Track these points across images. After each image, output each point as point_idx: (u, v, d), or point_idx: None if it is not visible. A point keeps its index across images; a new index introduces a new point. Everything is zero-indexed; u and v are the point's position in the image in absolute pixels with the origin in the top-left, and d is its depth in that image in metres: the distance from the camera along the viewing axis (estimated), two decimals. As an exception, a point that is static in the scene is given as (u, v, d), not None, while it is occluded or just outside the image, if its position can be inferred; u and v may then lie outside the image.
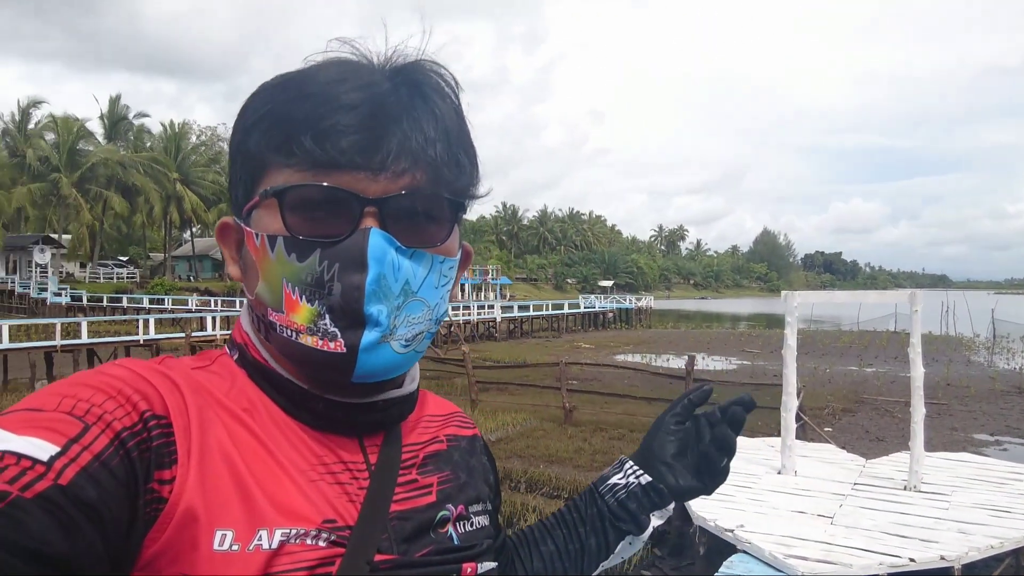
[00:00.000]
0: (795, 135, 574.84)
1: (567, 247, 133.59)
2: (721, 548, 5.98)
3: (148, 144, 58.30)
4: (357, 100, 0.67)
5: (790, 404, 7.51)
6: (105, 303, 39.65)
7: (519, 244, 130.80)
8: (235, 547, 0.60)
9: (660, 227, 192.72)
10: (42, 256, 44.43)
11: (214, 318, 27.68)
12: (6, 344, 20.37)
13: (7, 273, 45.71)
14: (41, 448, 0.54)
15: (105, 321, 29.29)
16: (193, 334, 23.43)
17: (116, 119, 57.25)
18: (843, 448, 9.44)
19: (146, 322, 24.73)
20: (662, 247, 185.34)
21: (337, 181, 0.67)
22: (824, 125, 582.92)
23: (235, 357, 0.76)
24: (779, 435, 7.78)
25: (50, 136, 51.48)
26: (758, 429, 11.26)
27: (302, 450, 0.70)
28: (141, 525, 0.59)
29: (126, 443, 0.59)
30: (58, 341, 21.25)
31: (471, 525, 0.79)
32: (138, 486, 0.59)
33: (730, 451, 0.89)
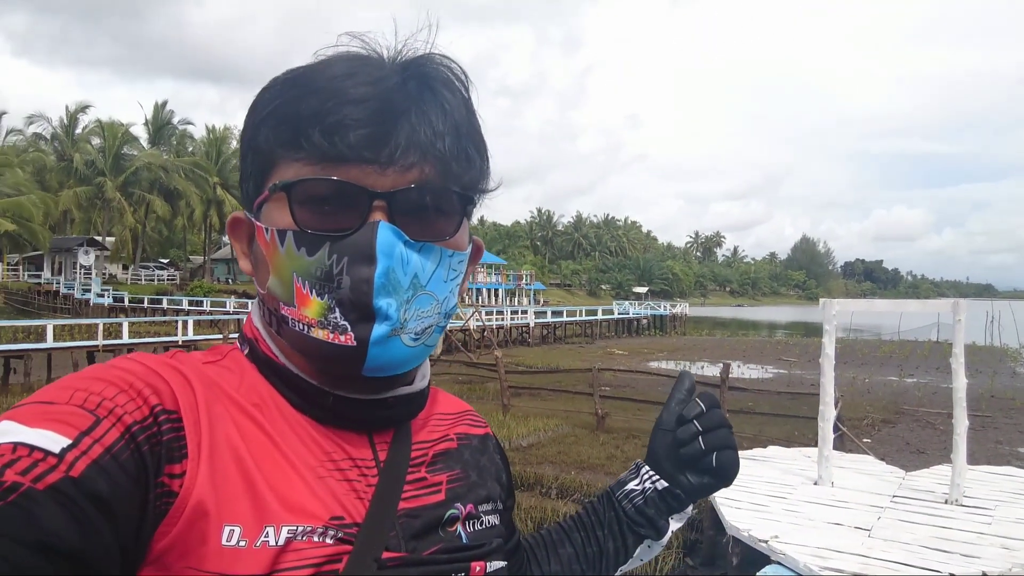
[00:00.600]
0: (837, 140, 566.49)
1: (602, 253, 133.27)
2: (755, 559, 5.88)
3: (190, 149, 59.43)
4: (365, 94, 0.68)
5: (828, 414, 7.37)
6: (146, 304, 40.40)
7: (553, 249, 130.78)
8: (242, 543, 0.60)
9: (696, 233, 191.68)
10: (86, 258, 45.39)
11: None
12: (51, 343, 20.86)
13: (53, 274, 46.79)
14: (53, 440, 0.55)
15: (145, 322, 29.88)
16: (230, 336, 23.77)
17: (160, 124, 58.41)
18: (882, 460, 9.24)
19: (184, 323, 25.25)
20: (698, 254, 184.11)
21: (346, 175, 0.67)
22: (867, 130, 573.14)
23: (246, 352, 0.76)
24: (816, 445, 7.64)
25: (96, 141, 52.67)
26: (795, 439, 11.09)
27: (311, 446, 0.70)
28: (151, 519, 0.59)
29: (136, 437, 0.59)
30: (100, 341, 21.72)
31: (481, 524, 0.78)
32: (148, 480, 0.59)
33: (721, 432, 0.87)
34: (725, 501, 6.68)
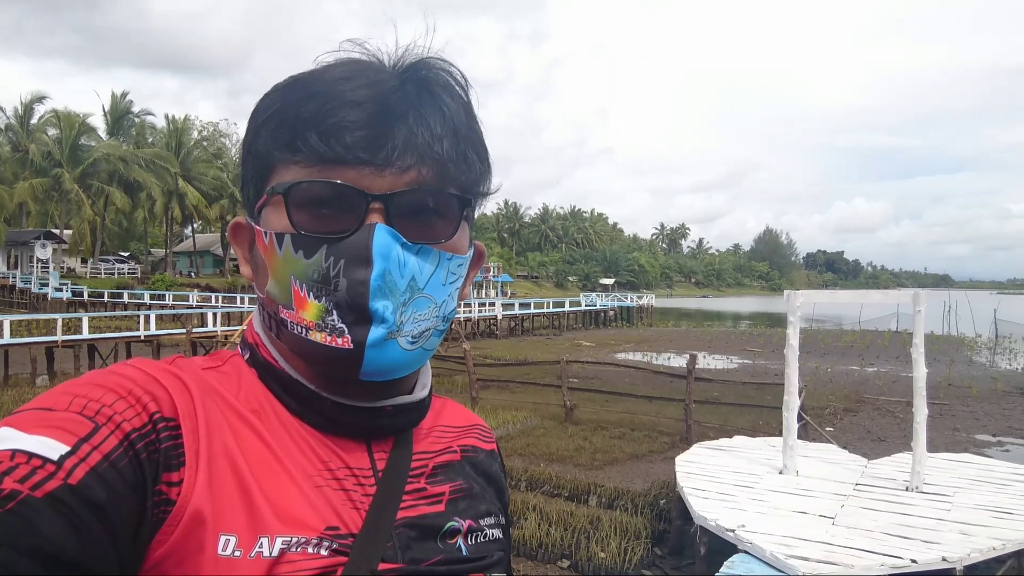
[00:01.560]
0: (799, 134, 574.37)
1: (568, 245, 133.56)
2: (722, 548, 5.95)
3: (151, 139, 58.23)
4: (363, 97, 0.68)
5: (792, 403, 7.48)
6: (106, 299, 39.68)
7: (520, 241, 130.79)
8: (237, 553, 0.60)
9: (662, 225, 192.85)
10: (43, 251, 44.35)
11: (215, 314, 27.62)
12: (7, 339, 20.33)
13: (8, 268, 45.64)
14: (51, 447, 0.55)
15: (106, 317, 29.27)
16: (194, 330, 23.41)
17: (119, 114, 57.10)
18: (845, 448, 9.41)
19: (147, 318, 24.78)
20: (664, 245, 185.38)
21: (343, 177, 0.66)
22: (829, 125, 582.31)
23: (246, 357, 0.76)
24: (781, 435, 7.75)
25: (52, 131, 51.32)
26: (760, 428, 11.25)
27: (308, 455, 0.70)
28: (149, 527, 0.58)
29: (135, 444, 0.59)
30: (59, 336, 21.22)
31: (484, 537, 0.78)
32: (146, 487, 0.59)
33: None
34: (692, 491, 6.75)
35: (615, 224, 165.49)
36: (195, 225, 63.02)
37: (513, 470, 9.31)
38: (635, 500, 8.21)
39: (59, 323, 21.79)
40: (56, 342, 20.98)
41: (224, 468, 0.63)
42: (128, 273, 53.59)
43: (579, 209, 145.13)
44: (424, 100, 0.70)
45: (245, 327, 0.81)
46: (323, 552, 0.63)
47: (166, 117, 59.46)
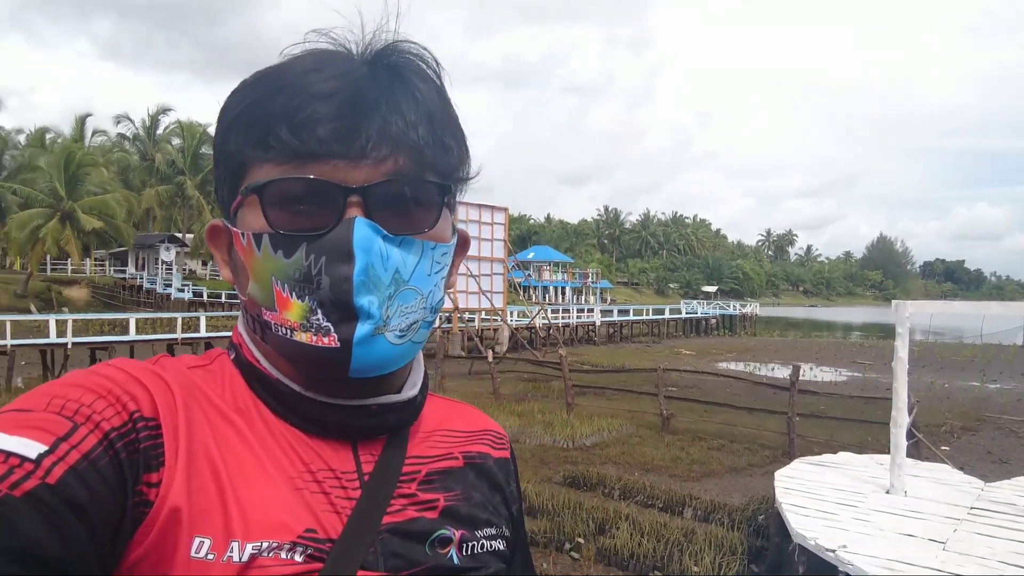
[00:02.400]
0: (914, 137, 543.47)
1: (670, 251, 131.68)
2: (821, 568, 5.73)
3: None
4: (333, 88, 0.66)
5: (900, 420, 7.12)
6: (223, 299, 41.76)
7: (620, 248, 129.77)
8: (210, 556, 0.60)
9: (768, 232, 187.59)
10: (167, 254, 47.22)
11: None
12: (133, 336, 21.80)
13: (136, 269, 48.83)
14: (30, 447, 0.54)
15: (222, 316, 30.81)
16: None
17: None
18: (961, 469, 8.87)
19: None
20: (769, 252, 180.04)
21: (318, 172, 0.65)
22: (946, 126, 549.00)
23: (232, 358, 0.75)
24: (889, 452, 7.39)
25: (176, 141, 54.71)
26: (868, 445, 10.76)
27: (290, 456, 0.69)
28: (128, 527, 0.58)
29: (114, 443, 0.58)
30: (179, 335, 22.59)
31: (479, 548, 0.75)
32: (126, 487, 0.58)
33: None
34: (792, 508, 6.52)
35: (718, 230, 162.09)
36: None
37: (607, 478, 9.25)
38: (732, 514, 7.99)
39: (179, 322, 23.20)
40: (176, 340, 22.32)
41: (203, 469, 0.63)
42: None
43: (681, 215, 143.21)
44: (396, 87, 0.68)
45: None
46: (297, 558, 0.62)
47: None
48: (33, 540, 0.51)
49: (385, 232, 0.66)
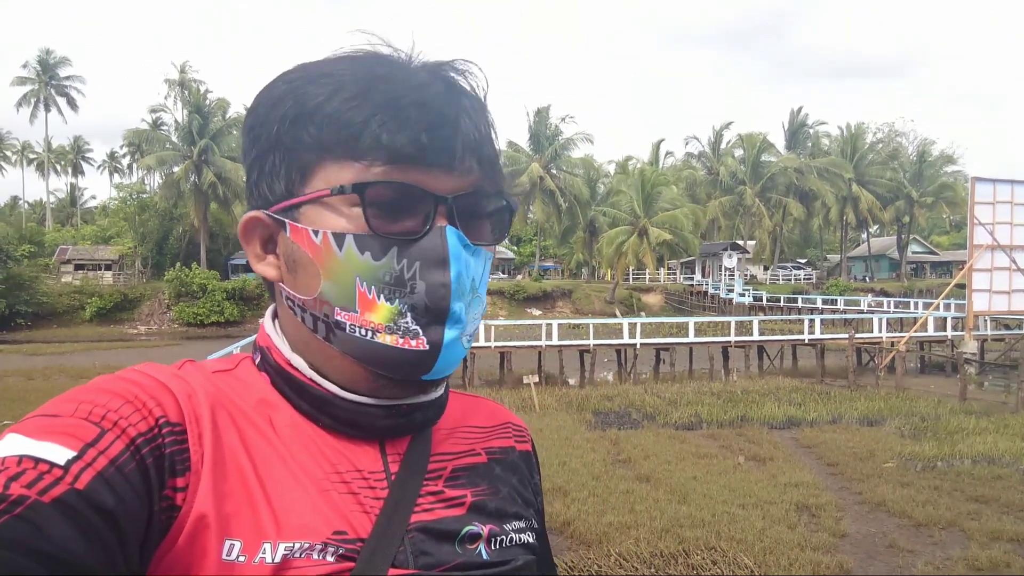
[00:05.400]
0: None
1: None
2: None
3: (825, 148, 59.77)
4: (420, 97, 0.67)
5: None
6: (781, 303, 42.05)
7: None
8: (242, 558, 0.61)
9: None
10: (730, 260, 49.46)
11: (882, 319, 26.58)
12: (691, 339, 23.51)
13: (703, 276, 52.39)
14: (58, 453, 0.55)
15: (776, 320, 31.04)
16: (857, 335, 23.08)
17: (795, 129, 60.40)
18: None
19: (811, 322, 25.35)
20: None
21: (412, 179, 0.66)
22: None
23: (257, 361, 0.75)
24: None
25: (738, 152, 57.28)
26: None
27: (317, 458, 0.69)
28: (155, 532, 0.59)
29: (141, 449, 0.59)
30: (732, 337, 23.58)
31: (508, 542, 0.75)
32: (152, 492, 0.59)
33: None
34: None
35: None
36: (871, 229, 62.00)
37: None
38: None
39: (732, 325, 24.17)
40: (729, 342, 23.31)
41: (231, 473, 0.64)
42: (804, 279, 55.94)
43: None
44: (466, 103, 0.70)
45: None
46: (328, 558, 0.63)
47: (838, 126, 60.23)
48: (61, 545, 0.51)
49: (467, 241, 0.68)
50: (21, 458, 0.54)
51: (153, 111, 46.19)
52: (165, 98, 50.28)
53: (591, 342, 22.24)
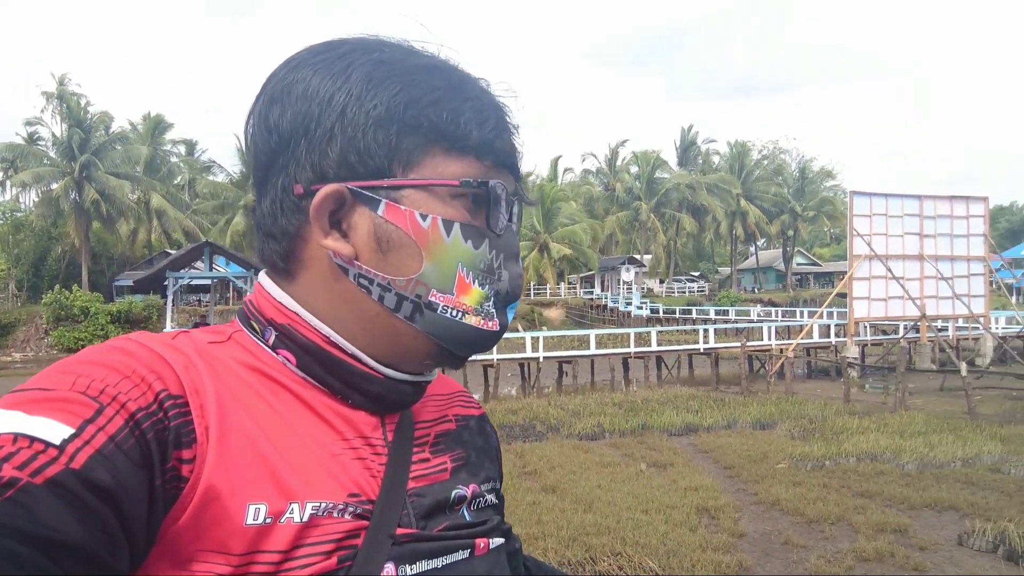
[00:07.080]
0: None
1: None
2: None
3: (715, 165, 62.27)
4: (494, 102, 0.75)
5: None
6: (677, 315, 43.42)
7: None
8: (268, 520, 0.61)
9: None
10: (627, 274, 50.59)
11: (771, 328, 27.92)
12: (592, 351, 23.91)
13: (602, 290, 53.41)
14: (54, 430, 0.53)
15: (672, 331, 32.00)
16: (748, 343, 24.09)
17: (687, 145, 62.64)
18: None
19: (706, 332, 26.36)
20: None
21: (501, 178, 0.74)
22: None
23: (271, 339, 0.73)
24: None
25: (634, 169, 58.92)
26: None
27: (322, 424, 0.71)
28: (161, 505, 0.58)
29: (141, 424, 0.58)
30: (631, 348, 24.10)
31: (483, 503, 0.80)
32: (154, 468, 0.58)
33: None
34: None
35: None
36: (758, 243, 64.87)
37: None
38: None
39: (632, 337, 24.71)
40: (629, 353, 23.84)
41: (240, 440, 0.63)
42: (698, 291, 58.01)
43: None
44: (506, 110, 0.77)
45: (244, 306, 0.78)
46: (347, 517, 0.65)
47: (727, 143, 62.83)
48: (55, 527, 0.50)
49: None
50: (16, 436, 0.52)
51: (29, 124, 43.09)
52: (42, 111, 47.18)
53: (494, 357, 22.25)
